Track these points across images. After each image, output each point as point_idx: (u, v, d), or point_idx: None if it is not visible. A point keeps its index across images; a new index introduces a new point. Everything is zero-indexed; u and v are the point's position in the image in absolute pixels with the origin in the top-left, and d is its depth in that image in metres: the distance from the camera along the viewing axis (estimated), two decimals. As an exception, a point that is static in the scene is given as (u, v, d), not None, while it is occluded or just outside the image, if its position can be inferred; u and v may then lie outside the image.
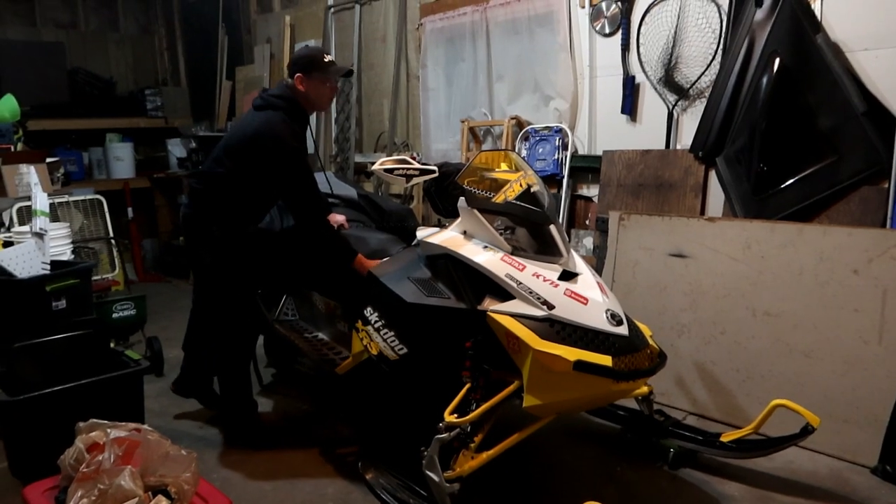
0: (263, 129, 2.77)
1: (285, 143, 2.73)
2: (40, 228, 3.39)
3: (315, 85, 2.82)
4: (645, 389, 2.59)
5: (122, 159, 6.71)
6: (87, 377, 2.66)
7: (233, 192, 2.85)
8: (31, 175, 4.14)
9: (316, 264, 3.17)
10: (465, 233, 2.52)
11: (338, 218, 3.21)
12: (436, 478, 2.20)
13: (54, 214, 4.60)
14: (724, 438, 2.65)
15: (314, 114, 3.28)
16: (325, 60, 2.84)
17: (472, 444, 2.28)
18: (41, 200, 3.50)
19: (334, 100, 5.66)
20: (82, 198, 5.15)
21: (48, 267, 3.37)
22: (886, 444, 2.64)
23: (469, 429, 2.26)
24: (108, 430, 2.06)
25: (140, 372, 2.82)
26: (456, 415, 2.25)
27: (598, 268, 3.66)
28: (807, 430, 2.43)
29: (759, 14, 3.32)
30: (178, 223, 7.00)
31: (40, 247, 3.36)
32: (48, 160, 4.90)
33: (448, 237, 2.53)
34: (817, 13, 3.18)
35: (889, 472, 2.59)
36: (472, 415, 2.24)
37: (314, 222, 2.87)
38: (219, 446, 3.03)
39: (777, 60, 3.24)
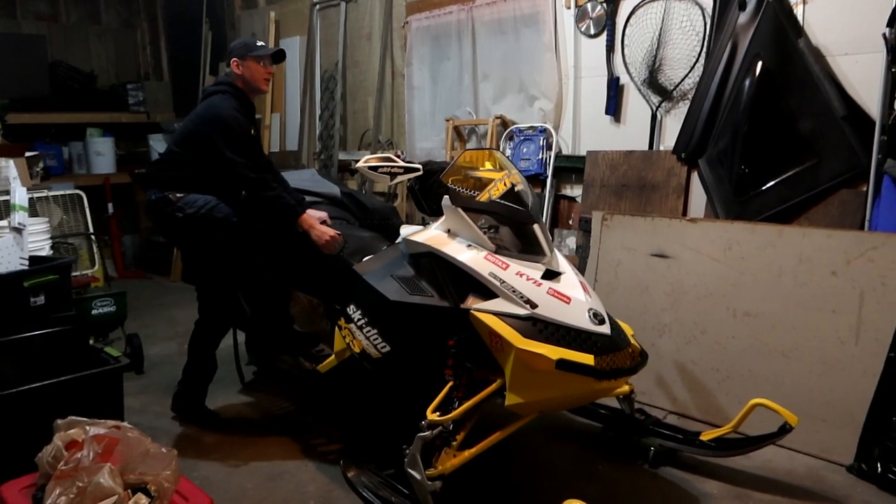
0: (205, 111, 2.97)
1: (222, 116, 2.90)
2: (19, 223, 3.33)
3: (249, 67, 3.01)
4: (626, 388, 2.61)
5: (102, 154, 6.63)
6: (66, 374, 2.62)
7: (191, 170, 2.97)
8: (9, 169, 4.08)
9: (298, 262, 3.16)
10: (448, 231, 2.52)
11: (319, 214, 3.20)
12: (418, 476, 2.20)
13: (33, 209, 4.54)
14: (704, 437, 2.68)
15: (300, 113, 3.33)
16: (257, 44, 3.05)
17: (455, 443, 2.28)
18: (20, 195, 3.45)
19: (314, 95, 5.65)
20: (62, 193, 5.08)
21: (27, 262, 3.32)
22: (862, 442, 2.68)
23: (451, 427, 2.26)
24: (87, 428, 2.04)
25: (120, 369, 2.79)
26: (438, 413, 2.25)
27: (580, 267, 3.68)
28: (785, 429, 2.46)
29: (743, 17, 3.36)
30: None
31: (18, 242, 3.31)
32: (27, 154, 4.82)
33: (432, 235, 2.53)
34: (800, 17, 3.22)
35: (865, 470, 2.62)
36: (454, 413, 2.24)
37: (250, 184, 2.91)
38: (200, 444, 3.01)
39: (759, 64, 3.28)
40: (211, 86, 3.14)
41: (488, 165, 2.73)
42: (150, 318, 4.93)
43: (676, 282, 3.27)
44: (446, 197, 2.48)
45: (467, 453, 2.28)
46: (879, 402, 2.66)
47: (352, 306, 2.65)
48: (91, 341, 3.21)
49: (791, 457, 2.80)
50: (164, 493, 1.93)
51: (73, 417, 2.13)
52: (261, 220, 2.98)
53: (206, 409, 3.25)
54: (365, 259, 2.79)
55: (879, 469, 2.58)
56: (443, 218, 2.55)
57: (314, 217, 2.99)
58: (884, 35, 2.89)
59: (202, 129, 2.94)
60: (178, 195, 2.95)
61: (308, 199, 3.31)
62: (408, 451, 2.24)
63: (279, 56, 3.13)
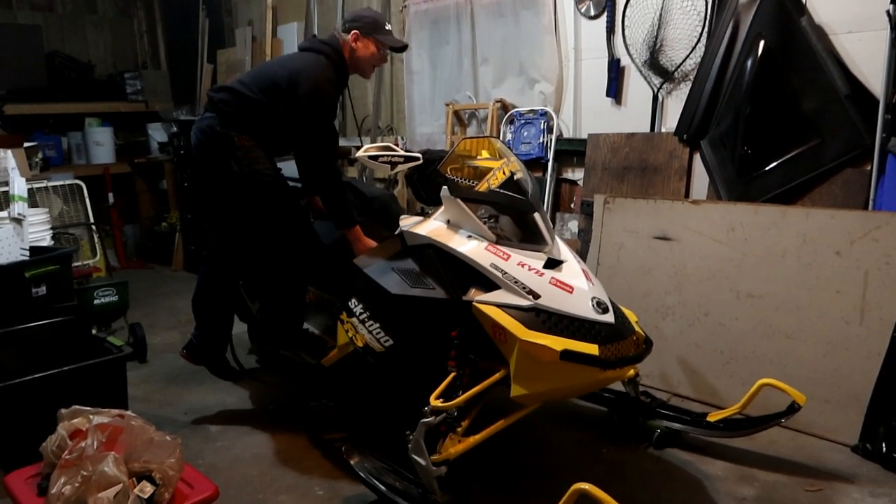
0: (305, 68, 2.74)
1: (320, 86, 2.71)
2: (18, 213, 3.33)
3: (368, 46, 2.81)
4: (631, 372, 2.60)
5: (101, 144, 6.61)
6: (69, 364, 2.63)
7: (263, 120, 2.79)
8: (8, 160, 4.07)
9: (303, 256, 3.15)
10: (448, 222, 2.49)
11: (368, 243, 3.17)
12: (422, 461, 2.20)
13: (33, 200, 4.52)
14: (712, 418, 2.68)
15: None
16: (387, 27, 2.84)
17: (459, 429, 2.28)
18: (19, 185, 3.44)
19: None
20: (61, 183, 5.07)
21: (27, 253, 3.31)
22: (867, 422, 2.68)
23: (455, 413, 2.26)
24: (91, 417, 2.04)
25: (123, 358, 2.79)
26: (442, 399, 2.24)
27: (582, 251, 3.68)
28: (793, 408, 2.46)
29: (744, -4, 3.32)
30: (159, 208, 6.94)
31: (19, 232, 3.31)
32: (26, 145, 4.81)
33: (432, 227, 2.51)
34: (801, -5, 3.18)
35: (869, 450, 2.62)
36: (457, 399, 2.24)
37: (323, 172, 2.75)
38: (204, 432, 3.02)
39: (762, 43, 3.24)
40: (317, 40, 2.91)
41: (486, 154, 2.70)
42: (153, 308, 4.93)
43: (679, 264, 3.25)
44: (445, 188, 2.46)
45: (472, 439, 2.27)
46: (884, 383, 2.66)
47: (353, 300, 2.64)
48: (94, 331, 3.21)
49: (795, 437, 2.80)
50: (169, 481, 1.93)
51: (77, 407, 2.13)
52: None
53: (225, 359, 3.22)
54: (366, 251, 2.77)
55: (884, 449, 2.58)
56: (442, 209, 2.53)
57: (361, 235, 2.84)
58: (888, 12, 2.85)
59: (295, 88, 2.71)
60: (245, 143, 2.75)
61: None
62: (411, 437, 2.24)
63: (401, 48, 2.98)
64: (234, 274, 3.16)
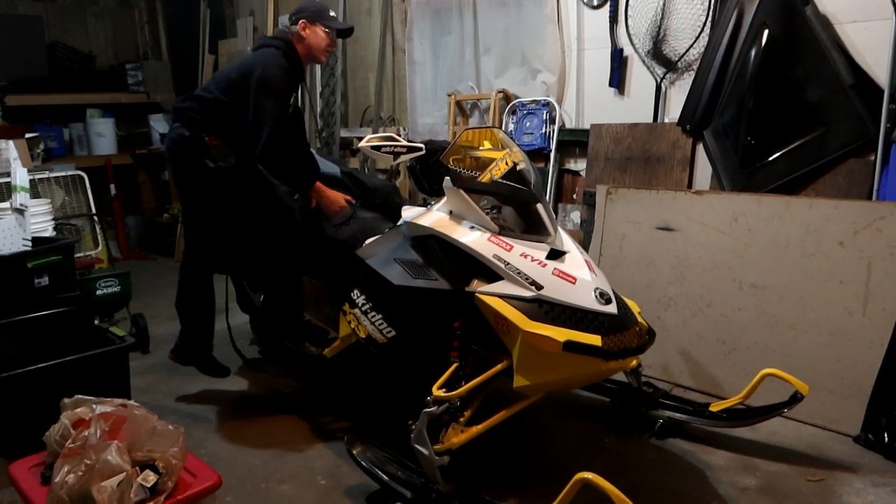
0: (256, 60, 2.86)
1: (271, 70, 2.80)
2: (20, 204, 3.33)
3: (316, 32, 2.91)
4: (633, 363, 2.60)
5: (103, 135, 6.60)
6: (72, 354, 2.63)
7: (228, 119, 2.89)
8: (9, 150, 4.07)
9: (302, 246, 3.15)
10: (451, 213, 2.48)
11: (338, 200, 3.19)
12: (425, 451, 2.20)
13: (35, 191, 4.52)
14: (714, 408, 2.68)
15: (301, 90, 3.31)
16: (331, 14, 2.95)
17: (462, 419, 2.28)
18: (21, 176, 3.44)
19: (315, 72, 5.60)
20: (63, 174, 5.06)
21: (29, 243, 3.32)
22: (869, 413, 2.68)
23: (458, 403, 2.26)
24: (94, 406, 2.04)
25: (125, 349, 2.80)
26: (444, 389, 2.25)
27: (585, 242, 3.67)
28: (796, 398, 2.46)
29: (749, -15, 3.30)
30: (161, 199, 6.95)
31: (21, 223, 3.31)
32: (27, 135, 4.81)
33: (434, 218, 2.51)
34: (806, -16, 3.16)
35: (871, 440, 2.63)
36: (460, 389, 2.24)
37: (272, 148, 2.79)
38: (207, 422, 3.02)
39: (766, 33, 3.22)
40: (268, 37, 3.04)
41: (488, 144, 2.69)
42: (155, 299, 4.94)
43: (682, 255, 3.25)
44: (448, 178, 2.44)
45: (474, 429, 2.28)
46: (886, 373, 2.66)
47: (356, 291, 2.63)
48: (96, 322, 3.22)
49: (798, 428, 2.81)
50: (172, 470, 1.93)
51: (80, 396, 2.13)
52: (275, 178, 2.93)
53: (213, 357, 3.28)
54: (367, 243, 2.77)
55: (886, 439, 2.58)
56: (444, 199, 2.52)
57: (324, 189, 2.95)
58: (892, 2, 2.83)
59: (248, 78, 2.82)
60: (215, 143, 2.87)
61: None
62: (414, 427, 2.24)
63: (347, 32, 3.05)
64: (212, 271, 3.23)
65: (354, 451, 2.43)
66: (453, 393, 2.22)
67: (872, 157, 2.99)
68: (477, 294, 2.28)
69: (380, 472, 2.35)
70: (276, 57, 2.85)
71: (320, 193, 2.91)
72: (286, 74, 2.85)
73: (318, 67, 5.77)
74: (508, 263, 2.26)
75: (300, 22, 2.90)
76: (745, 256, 3.05)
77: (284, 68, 2.84)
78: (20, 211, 3.32)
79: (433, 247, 2.44)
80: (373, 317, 2.55)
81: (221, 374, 3.30)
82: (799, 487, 2.41)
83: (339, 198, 2.90)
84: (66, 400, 2.12)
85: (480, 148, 2.66)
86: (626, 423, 2.85)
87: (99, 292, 3.94)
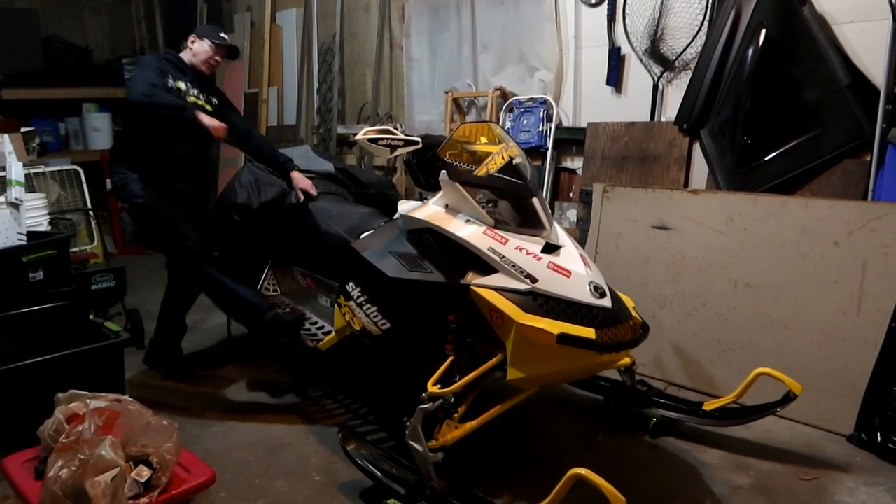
0: None
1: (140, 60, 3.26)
2: (15, 198, 3.31)
3: (202, 45, 3.33)
4: (628, 360, 2.60)
5: (99, 130, 6.58)
6: (67, 349, 2.62)
7: (138, 139, 3.30)
8: (5, 144, 4.03)
9: (297, 239, 3.15)
10: (447, 206, 2.48)
11: (304, 182, 3.28)
12: (419, 448, 2.20)
13: (30, 185, 4.51)
14: (707, 407, 2.69)
15: (298, 86, 3.32)
16: (220, 34, 3.38)
17: (456, 415, 2.28)
18: (16, 169, 3.42)
19: (312, 68, 5.59)
20: (59, 168, 5.05)
21: (24, 237, 3.30)
22: (862, 412, 2.69)
23: (452, 399, 2.26)
24: (88, 401, 2.03)
25: (120, 344, 2.79)
26: (439, 385, 2.25)
27: (581, 240, 3.67)
28: (789, 398, 2.47)
29: (746, -15, 3.30)
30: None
31: (16, 217, 3.29)
32: (23, 129, 4.79)
33: (430, 211, 2.51)
34: (804, -16, 3.16)
35: (864, 439, 2.64)
36: (455, 385, 2.24)
37: (140, 96, 3.05)
38: (201, 417, 3.02)
39: (763, 32, 3.23)
40: None
41: (485, 139, 2.69)
42: (150, 294, 4.91)
43: (678, 254, 3.25)
44: (444, 172, 2.44)
45: (468, 425, 2.28)
46: (880, 373, 2.67)
47: (351, 284, 2.63)
48: (91, 316, 3.21)
49: (791, 427, 2.81)
50: (166, 466, 1.93)
51: (74, 391, 2.13)
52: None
53: (181, 361, 3.50)
54: (363, 236, 2.77)
55: (879, 439, 2.59)
56: (441, 193, 2.52)
57: (204, 118, 3.12)
58: (890, 2, 2.84)
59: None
60: (121, 174, 3.32)
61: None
62: (408, 424, 2.24)
63: (233, 52, 3.46)
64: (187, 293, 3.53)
65: (349, 448, 2.43)
66: (448, 389, 2.23)
67: (868, 158, 3.00)
68: (472, 287, 2.28)
69: (374, 469, 2.35)
70: (154, 58, 3.38)
71: (199, 119, 3.10)
72: (159, 66, 3.23)
73: (315, 63, 5.77)
74: (503, 256, 2.26)
75: (190, 37, 3.36)
76: (740, 256, 3.06)
77: (157, 63, 3.26)
78: (15, 205, 3.30)
79: (429, 240, 2.44)
80: (368, 309, 2.55)
81: (189, 379, 3.43)
82: (792, 486, 2.42)
83: (212, 121, 3.11)
84: (60, 395, 2.12)
85: (477, 142, 2.66)
86: (619, 422, 2.86)
87: (94, 287, 3.93)
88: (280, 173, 3.37)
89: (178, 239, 3.25)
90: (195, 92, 3.31)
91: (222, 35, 3.39)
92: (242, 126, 3.55)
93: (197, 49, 3.33)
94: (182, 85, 3.26)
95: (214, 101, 3.41)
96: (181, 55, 3.35)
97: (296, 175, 3.32)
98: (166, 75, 3.21)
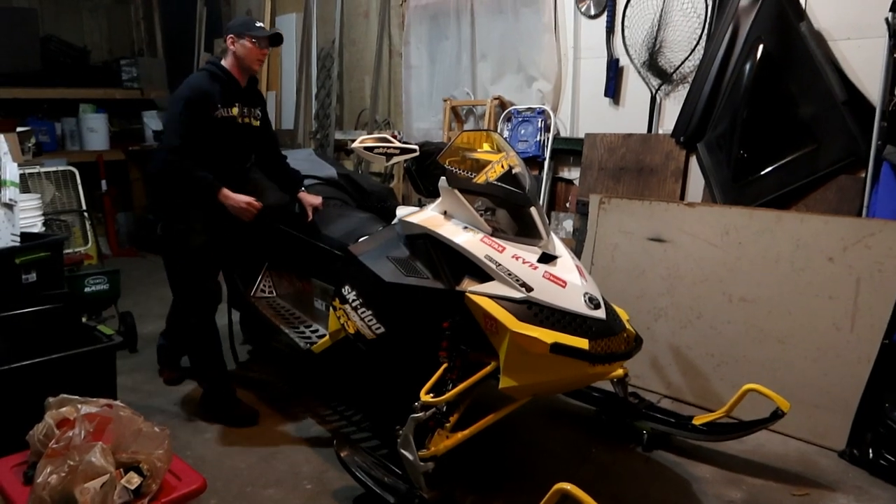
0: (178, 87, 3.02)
1: (181, 90, 2.94)
2: (10, 199, 3.30)
3: (244, 45, 2.98)
4: (620, 372, 2.61)
5: (95, 131, 6.55)
6: (58, 352, 2.61)
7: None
8: (0, 144, 4.03)
9: (294, 242, 3.14)
10: (445, 213, 2.49)
11: (314, 200, 3.17)
12: (410, 456, 2.20)
13: (25, 186, 4.49)
14: (697, 421, 2.69)
15: (296, 91, 3.30)
16: (256, 24, 3.03)
17: (448, 424, 2.27)
18: (10, 170, 3.41)
19: (311, 73, 5.59)
20: (54, 169, 5.03)
21: (18, 239, 3.28)
22: (855, 428, 2.69)
23: (445, 408, 2.26)
24: (79, 406, 2.02)
25: (112, 347, 2.77)
26: (432, 394, 2.24)
27: (577, 251, 3.67)
28: (777, 415, 2.47)
29: (745, 0, 3.31)
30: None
31: (10, 218, 3.28)
32: (19, 129, 4.77)
33: (428, 217, 2.51)
34: (802, 1, 3.18)
35: (856, 455, 2.64)
36: (447, 394, 2.24)
37: (167, 167, 2.88)
38: (193, 424, 3.00)
39: (761, 47, 3.24)
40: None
41: (486, 147, 2.70)
42: (144, 297, 4.90)
43: (673, 266, 3.26)
44: (443, 178, 2.46)
45: (460, 435, 2.27)
46: (873, 389, 2.67)
47: (346, 287, 2.63)
48: (84, 319, 3.19)
49: (784, 441, 2.82)
50: (157, 473, 1.92)
51: (65, 395, 2.11)
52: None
53: (238, 404, 3.08)
54: (360, 240, 2.77)
55: (871, 455, 2.60)
56: (439, 199, 2.53)
57: (229, 194, 2.92)
58: (886, 20, 2.85)
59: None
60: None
61: (305, 182, 3.30)
62: (401, 432, 2.23)
63: (276, 39, 3.08)
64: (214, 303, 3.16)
65: (342, 455, 2.42)
66: (441, 398, 2.22)
67: (863, 174, 3.01)
68: (467, 293, 2.28)
69: (365, 477, 2.35)
70: (197, 76, 3.02)
71: (226, 199, 2.90)
72: (206, 90, 2.93)
73: (314, 69, 5.77)
74: (500, 264, 2.26)
75: (228, 38, 3.01)
76: (735, 269, 3.06)
77: (204, 85, 2.94)
78: (9, 206, 3.28)
79: (426, 245, 2.45)
80: (363, 313, 2.55)
81: (253, 421, 3.04)
82: (783, 502, 2.42)
83: (239, 201, 2.91)
84: (50, 399, 2.10)
85: (478, 150, 2.67)
86: (612, 433, 2.85)
87: (87, 289, 3.91)
88: (288, 190, 3.22)
89: (202, 281, 3.01)
90: (246, 110, 3.06)
91: (259, 25, 3.05)
92: (275, 149, 3.28)
93: (240, 51, 2.99)
94: (235, 110, 3.00)
95: (259, 112, 3.15)
96: (223, 63, 3.02)
97: (303, 195, 3.20)
98: (215, 105, 2.93)
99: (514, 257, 2.28)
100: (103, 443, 1.87)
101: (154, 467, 1.91)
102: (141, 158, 6.84)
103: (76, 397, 2.10)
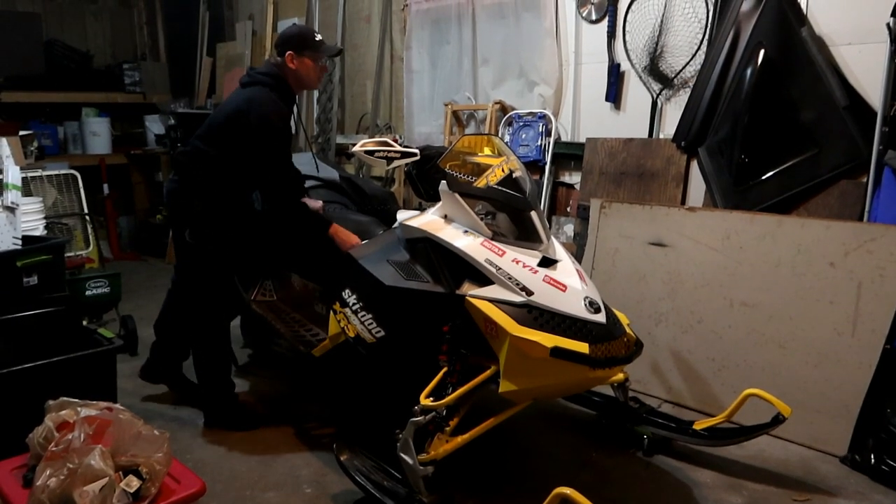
0: (247, 105, 2.74)
1: (268, 118, 2.70)
2: (12, 202, 3.31)
3: (305, 63, 2.80)
4: (621, 376, 2.60)
5: (98, 134, 6.58)
6: (59, 355, 2.61)
7: (218, 169, 2.82)
8: (2, 148, 4.04)
9: (295, 245, 3.14)
10: (445, 217, 2.50)
11: (315, 204, 3.17)
12: (410, 460, 2.20)
13: (27, 189, 4.50)
14: (697, 426, 2.68)
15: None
16: (316, 39, 2.84)
17: (448, 428, 2.27)
18: (13, 174, 3.43)
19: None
20: (56, 172, 5.04)
21: (19, 242, 3.30)
22: (856, 434, 2.68)
23: (444, 412, 2.25)
24: (79, 409, 2.02)
25: (113, 350, 2.77)
26: (432, 398, 2.24)
27: (578, 255, 3.67)
28: (778, 420, 2.46)
29: (746, 5, 3.32)
30: (155, 200, 6.93)
31: (11, 221, 3.29)
32: (21, 133, 4.78)
33: (428, 220, 2.51)
34: (803, 6, 3.19)
35: (858, 461, 2.63)
36: (447, 398, 2.24)
37: (285, 202, 2.81)
38: (192, 427, 3.00)
39: (762, 52, 3.25)
40: (255, 71, 2.88)
41: (487, 151, 2.70)
42: (145, 300, 4.90)
43: (674, 271, 3.25)
44: (443, 182, 2.46)
45: (460, 439, 2.27)
46: (874, 394, 2.67)
47: (347, 291, 2.63)
48: (85, 322, 3.19)
49: (785, 447, 2.81)
50: (156, 476, 1.92)
51: (65, 398, 2.12)
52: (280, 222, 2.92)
53: (240, 405, 3.07)
54: (361, 243, 2.78)
55: (873, 460, 2.58)
56: (440, 203, 2.53)
57: (340, 231, 2.86)
58: (888, 25, 2.86)
59: (243, 126, 2.70)
60: (202, 208, 2.81)
61: (306, 183, 3.29)
62: (400, 436, 2.23)
63: (336, 53, 2.98)
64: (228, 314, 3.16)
65: (342, 458, 2.42)
66: (441, 402, 2.22)
67: (865, 179, 3.01)
68: (467, 297, 2.28)
69: (364, 481, 2.34)
70: (271, 101, 2.74)
71: (338, 233, 2.82)
72: (282, 118, 2.75)
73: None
74: (500, 268, 2.26)
75: (287, 54, 2.78)
76: (736, 274, 3.06)
77: (280, 112, 2.75)
78: (11, 209, 3.30)
79: (426, 249, 2.45)
80: (363, 316, 2.55)
81: (257, 424, 3.00)
82: (785, 507, 2.41)
83: (350, 239, 2.80)
84: (50, 402, 2.11)
85: (478, 154, 2.67)
86: (613, 438, 2.85)
87: (88, 293, 3.92)
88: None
89: (229, 287, 2.99)
90: (294, 124, 2.92)
91: (318, 38, 2.84)
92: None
93: (301, 70, 2.80)
94: (293, 127, 2.88)
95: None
96: (280, 75, 2.82)
97: (305, 199, 3.08)
98: (289, 127, 2.80)
99: (515, 261, 2.28)
100: (103, 446, 1.88)
101: (153, 470, 1.91)
102: (143, 162, 6.86)
103: (76, 400, 2.11)
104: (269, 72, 2.82)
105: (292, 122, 2.88)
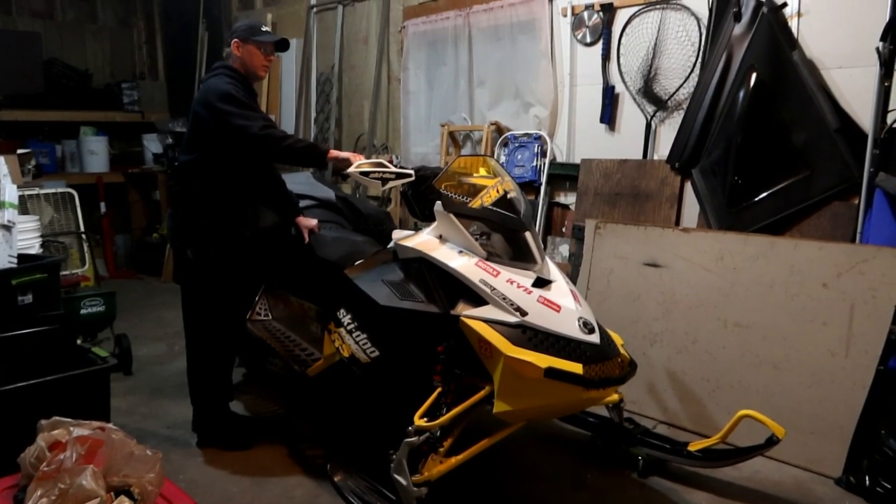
0: (203, 92, 2.85)
1: (215, 87, 2.78)
2: (8, 220, 3.32)
3: (249, 51, 2.89)
4: (615, 397, 2.60)
5: (96, 153, 6.60)
6: (52, 374, 2.60)
7: (211, 171, 2.84)
8: (0, 166, 4.05)
9: (291, 265, 3.15)
10: (440, 237, 2.51)
11: (310, 222, 3.18)
12: (403, 482, 2.19)
13: (24, 207, 4.50)
14: (692, 447, 2.67)
15: (296, 115, 3.26)
16: (262, 30, 2.93)
17: (441, 449, 2.27)
18: (10, 192, 3.43)
19: (310, 97, 5.64)
20: (53, 191, 5.05)
21: (15, 260, 3.30)
22: (851, 455, 2.68)
23: (438, 433, 2.25)
24: (71, 429, 2.01)
25: (107, 370, 2.76)
26: (426, 419, 2.24)
27: (573, 275, 3.68)
28: (772, 441, 2.45)
29: (738, 29, 3.37)
30: (152, 219, 6.95)
31: (7, 239, 3.29)
32: (19, 151, 4.79)
33: (423, 241, 2.52)
34: (794, 30, 3.23)
35: (853, 482, 2.62)
36: (441, 419, 2.23)
37: (274, 144, 2.74)
38: (186, 447, 2.98)
39: (754, 75, 3.29)
40: (208, 72, 2.99)
41: (482, 172, 2.72)
42: (140, 319, 4.90)
43: (668, 291, 3.26)
44: (438, 202, 2.48)
45: (454, 460, 2.27)
46: (868, 415, 2.66)
47: (342, 310, 2.64)
48: (79, 341, 3.18)
49: (779, 468, 2.80)
50: (148, 497, 1.90)
51: (58, 418, 2.10)
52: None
53: (236, 427, 3.04)
54: (356, 263, 2.78)
55: (868, 482, 2.58)
56: (435, 223, 2.54)
57: (302, 219, 2.96)
58: (877, 49, 2.90)
59: (200, 110, 2.79)
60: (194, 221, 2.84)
61: (302, 203, 3.30)
62: (394, 457, 2.23)
63: (282, 45, 3.01)
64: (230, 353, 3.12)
65: (336, 479, 2.41)
66: (435, 423, 2.21)
67: (856, 201, 3.04)
68: (462, 317, 2.28)
69: (358, 502, 2.33)
70: (220, 78, 2.84)
71: (337, 156, 2.79)
72: (237, 87, 2.81)
73: (313, 93, 5.83)
74: (494, 288, 2.27)
75: (234, 42, 2.89)
76: (730, 295, 3.07)
77: (232, 84, 2.81)
78: (7, 227, 3.30)
79: (421, 269, 2.46)
80: (357, 336, 2.55)
81: (244, 445, 2.99)
82: (780, 529, 2.40)
83: (348, 155, 2.79)
84: (42, 421, 2.09)
85: (473, 175, 2.69)
86: (607, 459, 2.84)
87: (83, 311, 3.91)
88: (285, 214, 3.16)
89: (236, 310, 2.99)
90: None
91: (266, 30, 2.93)
92: (273, 168, 3.16)
93: (248, 58, 2.89)
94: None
95: None
96: (230, 64, 2.92)
97: (300, 218, 3.15)
98: (240, 91, 2.83)
99: (509, 281, 2.29)
100: (95, 466, 1.86)
101: (145, 491, 1.90)
102: (140, 181, 6.88)
103: (69, 420, 2.09)
104: (221, 63, 2.97)
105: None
